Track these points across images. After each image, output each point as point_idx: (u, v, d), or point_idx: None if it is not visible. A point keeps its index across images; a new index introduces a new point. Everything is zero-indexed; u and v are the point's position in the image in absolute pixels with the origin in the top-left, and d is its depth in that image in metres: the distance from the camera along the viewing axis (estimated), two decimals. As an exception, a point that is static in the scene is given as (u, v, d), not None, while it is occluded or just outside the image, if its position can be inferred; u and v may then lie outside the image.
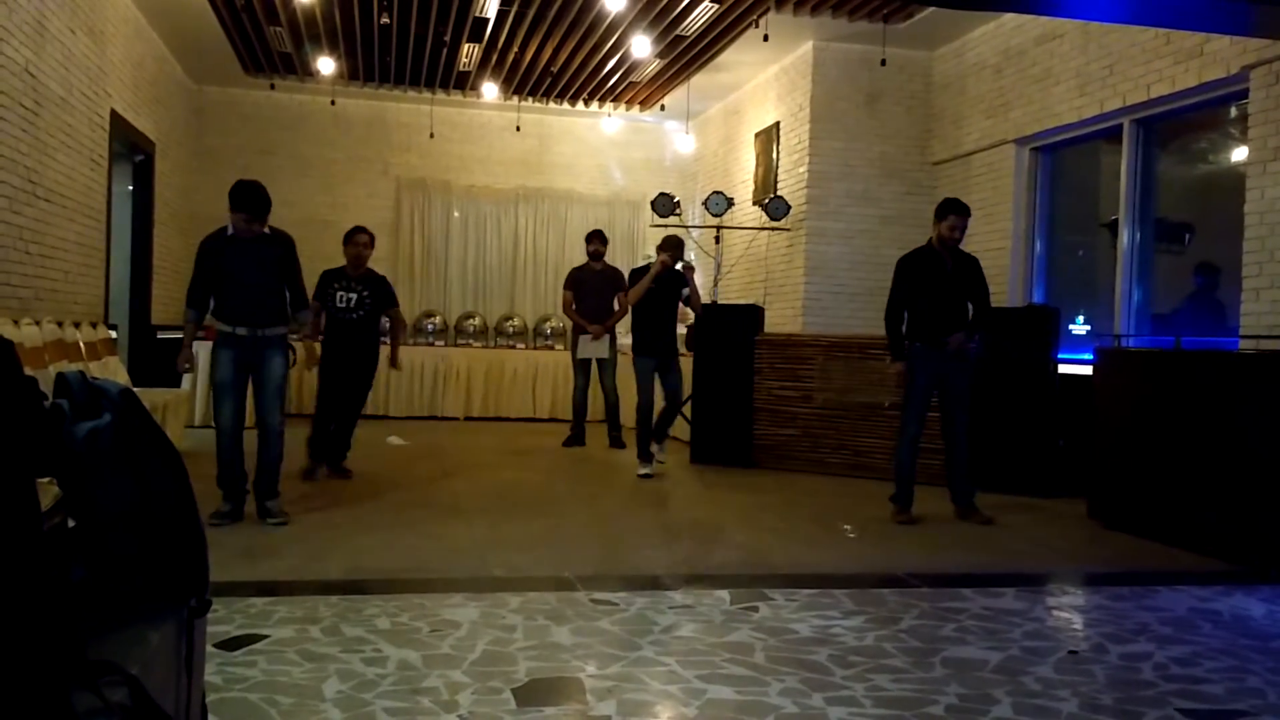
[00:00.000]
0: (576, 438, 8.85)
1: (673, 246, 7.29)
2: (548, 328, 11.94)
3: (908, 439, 5.79)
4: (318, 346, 6.48)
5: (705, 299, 8.32)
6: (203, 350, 9.37)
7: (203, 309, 5.30)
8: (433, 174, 12.36)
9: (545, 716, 2.65)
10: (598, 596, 3.86)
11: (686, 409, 8.53)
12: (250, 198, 5.11)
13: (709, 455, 7.96)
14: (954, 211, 5.73)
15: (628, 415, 8.11)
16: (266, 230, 5.24)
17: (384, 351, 6.97)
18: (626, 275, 7.40)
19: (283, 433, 5.28)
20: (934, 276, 5.75)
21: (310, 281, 5.81)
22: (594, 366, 8.77)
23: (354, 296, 6.68)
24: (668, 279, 7.31)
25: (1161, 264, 7.38)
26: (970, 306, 5.81)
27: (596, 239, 8.87)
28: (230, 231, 5.20)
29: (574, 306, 8.72)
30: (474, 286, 12.46)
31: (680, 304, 7.43)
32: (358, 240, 6.76)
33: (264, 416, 5.26)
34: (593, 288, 8.71)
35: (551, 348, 11.53)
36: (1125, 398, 5.75)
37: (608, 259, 9.00)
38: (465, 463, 7.55)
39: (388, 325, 7.05)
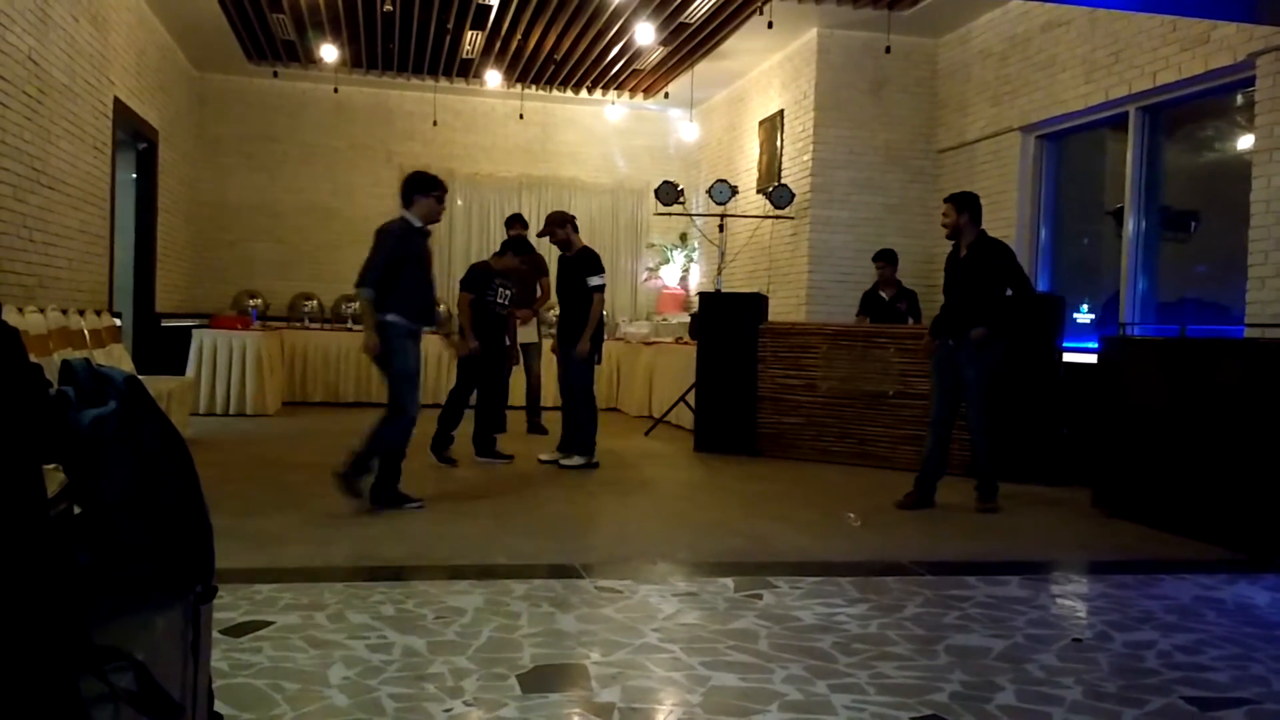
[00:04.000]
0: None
1: (550, 223, 7.05)
2: (550, 315, 11.90)
3: (930, 423, 5.95)
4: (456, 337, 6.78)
5: (709, 288, 8.26)
6: (208, 338, 9.45)
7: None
8: (436, 162, 12.31)
9: (550, 703, 2.65)
10: (602, 584, 3.87)
11: (690, 397, 8.53)
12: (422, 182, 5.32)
13: (712, 444, 7.96)
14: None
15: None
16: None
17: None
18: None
19: None
20: (949, 268, 5.95)
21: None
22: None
23: (509, 293, 7.26)
24: (572, 260, 7.04)
25: (1166, 252, 7.36)
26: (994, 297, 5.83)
27: (517, 223, 8.62)
28: (418, 224, 5.29)
29: None
30: (477, 275, 12.45)
31: (591, 291, 6.90)
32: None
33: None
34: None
35: (553, 335, 11.49)
36: (1130, 386, 5.74)
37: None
38: (470, 450, 7.55)
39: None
